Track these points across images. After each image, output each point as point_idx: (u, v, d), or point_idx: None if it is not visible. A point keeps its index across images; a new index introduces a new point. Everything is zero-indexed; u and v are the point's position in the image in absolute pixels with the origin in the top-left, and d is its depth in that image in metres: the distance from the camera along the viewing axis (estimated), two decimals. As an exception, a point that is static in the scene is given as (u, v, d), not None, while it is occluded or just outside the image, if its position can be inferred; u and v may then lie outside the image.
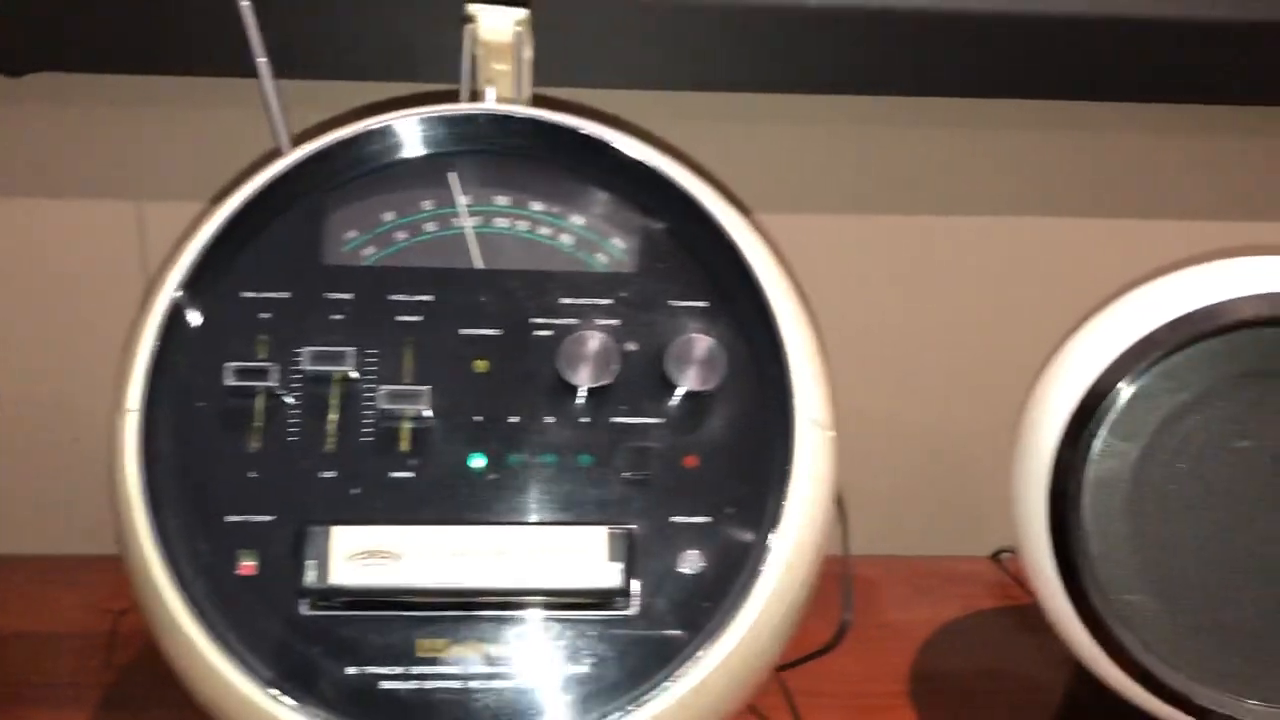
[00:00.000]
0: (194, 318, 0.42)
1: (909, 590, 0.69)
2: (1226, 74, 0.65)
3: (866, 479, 0.75)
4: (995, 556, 0.69)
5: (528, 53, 0.51)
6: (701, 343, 0.42)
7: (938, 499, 0.75)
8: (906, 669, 0.62)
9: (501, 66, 0.49)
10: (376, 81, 0.61)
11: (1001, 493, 0.52)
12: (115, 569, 0.42)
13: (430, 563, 0.38)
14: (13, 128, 0.63)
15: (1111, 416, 0.46)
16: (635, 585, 0.41)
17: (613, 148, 0.44)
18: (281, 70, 0.48)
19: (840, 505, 0.54)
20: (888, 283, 0.71)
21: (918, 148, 0.69)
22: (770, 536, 0.41)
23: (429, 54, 0.57)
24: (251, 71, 0.47)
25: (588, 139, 0.44)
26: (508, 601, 0.40)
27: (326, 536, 0.38)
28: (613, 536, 0.39)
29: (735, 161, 0.67)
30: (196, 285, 0.42)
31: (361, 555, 0.38)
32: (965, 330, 0.72)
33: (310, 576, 0.38)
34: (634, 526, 0.41)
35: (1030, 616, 0.51)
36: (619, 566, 0.39)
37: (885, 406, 0.73)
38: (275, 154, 0.44)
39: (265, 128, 0.48)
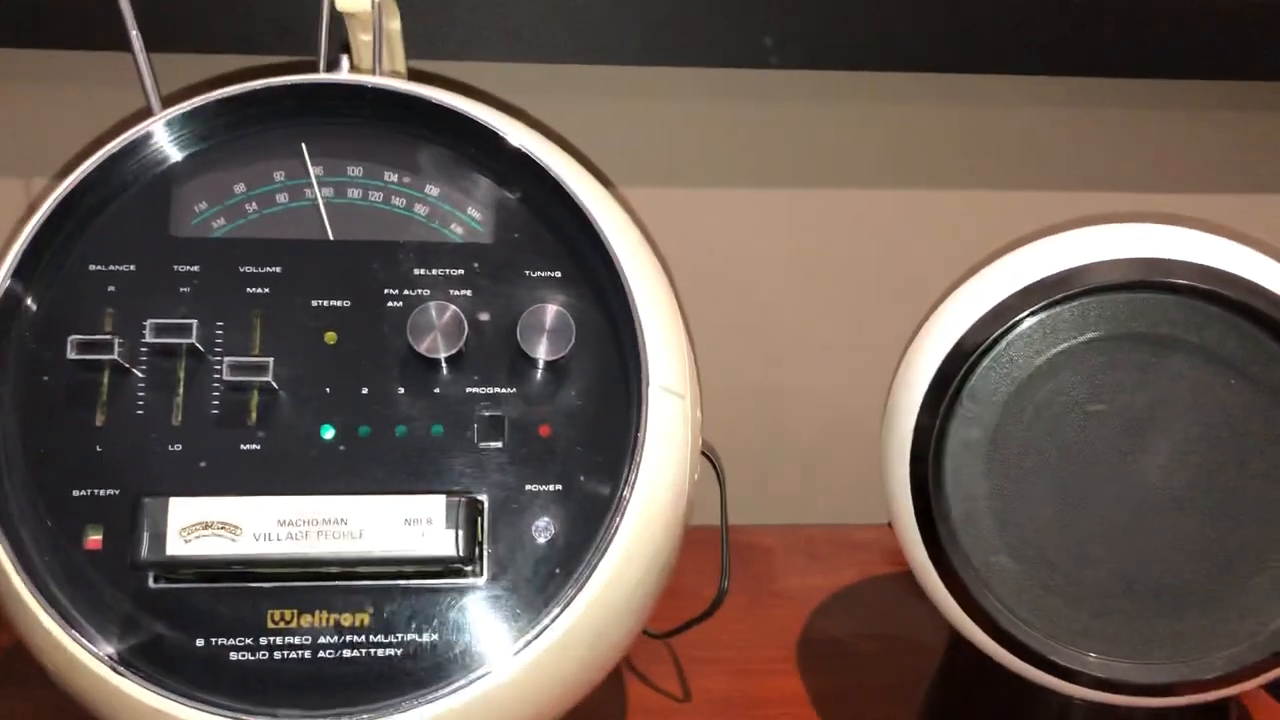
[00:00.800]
0: (37, 292, 0.42)
1: (805, 558, 0.70)
2: (1112, 47, 0.65)
3: (766, 449, 0.75)
4: (890, 523, 0.70)
5: (394, 24, 0.50)
6: (550, 311, 0.42)
7: (838, 467, 0.76)
8: (796, 634, 0.62)
9: (366, 37, 0.49)
10: (254, 55, 0.60)
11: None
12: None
13: (269, 533, 0.38)
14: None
15: (969, 382, 0.46)
16: (486, 553, 0.41)
17: (467, 118, 0.44)
18: (155, 44, 0.47)
19: (718, 473, 0.55)
20: (787, 254, 0.72)
21: (806, 122, 0.69)
22: (622, 503, 0.41)
23: (300, 26, 0.57)
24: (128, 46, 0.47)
25: (440, 109, 0.44)
26: (357, 571, 0.40)
27: (163, 508, 0.38)
28: (450, 504, 0.39)
29: (619, 135, 0.67)
30: (42, 258, 0.42)
31: (199, 526, 0.37)
32: (865, 299, 0.73)
33: (145, 549, 0.38)
34: (476, 494, 0.41)
35: (920, 581, 0.51)
36: (457, 534, 0.39)
37: (785, 378, 0.74)
38: (124, 125, 0.44)
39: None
